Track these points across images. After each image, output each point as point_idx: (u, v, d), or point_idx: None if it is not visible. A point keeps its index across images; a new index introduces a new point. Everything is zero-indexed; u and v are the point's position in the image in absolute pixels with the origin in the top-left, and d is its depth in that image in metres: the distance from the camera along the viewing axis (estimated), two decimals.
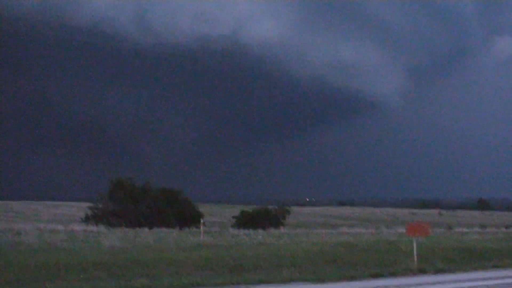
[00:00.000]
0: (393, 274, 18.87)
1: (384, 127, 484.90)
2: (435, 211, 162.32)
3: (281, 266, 18.93)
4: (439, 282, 17.33)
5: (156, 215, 53.04)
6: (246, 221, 61.29)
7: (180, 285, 15.33)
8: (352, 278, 17.75)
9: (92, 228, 42.72)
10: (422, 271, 19.64)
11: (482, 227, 69.03)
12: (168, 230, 42.56)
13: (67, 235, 30.47)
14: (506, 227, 70.58)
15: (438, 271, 19.98)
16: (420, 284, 16.81)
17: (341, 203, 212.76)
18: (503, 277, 18.79)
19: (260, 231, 45.76)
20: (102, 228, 43.02)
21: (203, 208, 63.33)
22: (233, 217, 66.78)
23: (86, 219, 51.93)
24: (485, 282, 17.49)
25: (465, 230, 58.81)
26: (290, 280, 16.89)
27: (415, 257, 20.39)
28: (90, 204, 55.33)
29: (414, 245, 20.72)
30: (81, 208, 65.70)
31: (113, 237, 27.92)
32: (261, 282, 16.43)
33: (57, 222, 50.52)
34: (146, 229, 41.15)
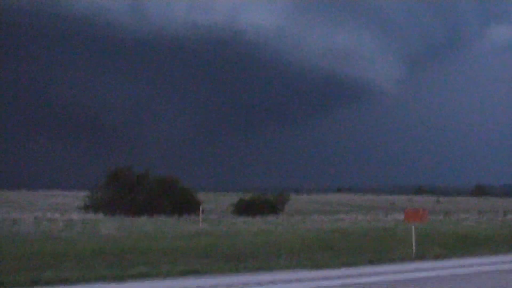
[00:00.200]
0: (391, 261, 18.89)
1: (381, 114, 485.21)
2: (432, 198, 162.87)
3: (279, 253, 18.94)
4: (437, 268, 17.35)
5: (154, 204, 53.07)
6: (244, 208, 61.39)
7: (178, 272, 15.32)
8: (349, 264, 17.76)
9: (89, 216, 42.76)
10: (420, 258, 19.67)
11: (480, 213, 69.14)
12: (166, 218, 42.61)
13: (64, 223, 30.47)
14: (504, 213, 70.72)
15: (436, 257, 20.01)
16: (418, 270, 16.82)
17: (339, 190, 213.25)
18: (500, 263, 18.84)
19: (258, 218, 45.88)
20: (99, 216, 43.08)
21: (200, 196, 63.33)
22: (231, 204, 66.91)
23: (84, 208, 51.97)
24: (483, 268, 17.52)
25: (462, 216, 58.95)
26: (288, 267, 16.90)
27: (413, 243, 20.41)
28: (87, 193, 55.37)
29: (413, 231, 20.74)
30: (77, 197, 65.71)
31: (110, 226, 27.94)
32: (259, 269, 16.44)
33: (53, 211, 50.45)
34: (144, 218, 41.21)
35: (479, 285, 14.27)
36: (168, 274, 15.07)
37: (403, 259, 19.30)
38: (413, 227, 20.92)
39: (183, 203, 56.12)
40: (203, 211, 41.37)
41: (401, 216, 35.93)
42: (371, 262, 18.40)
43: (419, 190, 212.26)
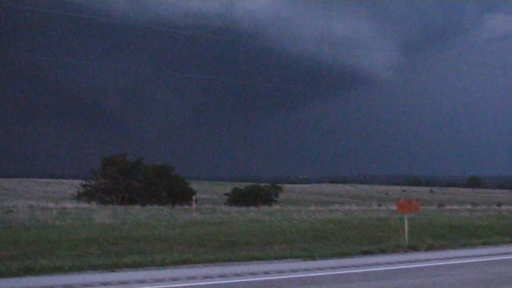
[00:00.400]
0: (384, 251, 18.96)
1: (376, 102, 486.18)
2: (426, 189, 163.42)
3: (273, 243, 18.97)
4: (430, 259, 17.42)
5: (148, 191, 53.16)
6: (238, 198, 61.63)
7: (171, 261, 15.34)
8: (343, 255, 17.82)
9: (84, 205, 42.75)
10: (413, 248, 19.75)
11: (473, 204, 69.47)
12: (160, 207, 42.62)
13: (58, 212, 30.43)
14: (498, 205, 71.05)
15: (429, 248, 20.09)
16: (410, 262, 16.89)
17: (333, 181, 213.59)
18: (493, 254, 18.93)
19: (252, 208, 45.96)
20: (94, 205, 43.06)
21: (195, 185, 63.44)
22: (225, 194, 67.06)
23: (78, 197, 51.98)
24: (475, 260, 17.61)
25: (456, 207, 59.17)
26: (282, 257, 16.95)
27: (406, 234, 20.47)
28: (81, 181, 55.40)
29: (406, 222, 20.79)
30: (72, 185, 65.73)
31: (104, 214, 27.89)
32: (252, 258, 16.47)
33: (48, 199, 50.48)
34: (138, 206, 41.22)
35: (470, 275, 14.34)
36: (161, 263, 15.09)
37: (395, 249, 19.37)
38: (406, 218, 20.97)
39: (177, 192, 56.23)
40: (196, 200, 41.39)
41: (395, 207, 35.98)
42: (364, 252, 18.47)
43: (413, 181, 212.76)
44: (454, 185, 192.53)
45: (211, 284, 12.70)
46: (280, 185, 71.13)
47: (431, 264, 16.39)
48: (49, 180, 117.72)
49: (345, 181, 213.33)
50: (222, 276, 13.64)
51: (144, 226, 22.80)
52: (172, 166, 60.75)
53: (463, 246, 21.31)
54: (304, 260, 16.84)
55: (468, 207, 60.52)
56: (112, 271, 14.12)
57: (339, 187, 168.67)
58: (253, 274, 14.06)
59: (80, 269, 14.04)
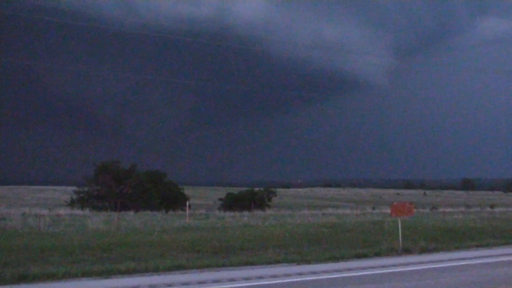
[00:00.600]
0: (378, 254, 18.98)
1: (369, 106, 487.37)
2: (420, 192, 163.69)
3: (267, 247, 18.98)
4: (424, 262, 17.45)
5: (141, 197, 53.11)
6: (232, 203, 61.55)
7: (165, 267, 15.32)
8: (337, 258, 17.83)
9: (77, 212, 42.66)
10: (406, 251, 19.77)
11: (467, 207, 69.63)
12: (154, 213, 42.57)
13: (52, 219, 30.37)
14: (491, 207, 71.24)
15: (423, 251, 20.12)
16: (404, 264, 16.91)
17: (327, 185, 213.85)
18: (486, 256, 18.96)
19: (246, 213, 45.94)
20: (87, 211, 42.96)
21: (188, 191, 63.33)
22: (219, 199, 67.01)
23: (72, 203, 51.89)
24: (469, 262, 17.63)
25: (449, 210, 59.29)
26: (276, 262, 16.95)
27: (400, 237, 20.50)
28: (75, 188, 55.31)
29: (399, 225, 20.84)
30: (65, 192, 65.45)
31: (98, 221, 27.87)
32: (246, 263, 16.46)
33: (41, 206, 50.30)
34: (131, 213, 41.18)
35: (464, 278, 14.36)
36: (155, 269, 15.07)
37: (389, 252, 19.39)
38: (399, 221, 21.01)
39: (170, 198, 56.21)
40: (190, 206, 41.36)
41: (388, 210, 36.05)
42: (358, 256, 18.49)
43: (407, 184, 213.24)
44: (447, 188, 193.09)
45: None
46: (273, 189, 71.07)
47: (425, 267, 16.41)
48: (42, 187, 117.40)
49: (338, 185, 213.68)
50: (216, 281, 13.62)
51: (138, 232, 22.79)
52: (165, 172, 60.84)
53: (457, 248, 21.34)
54: (298, 264, 16.84)
55: (462, 209, 60.69)
56: (106, 277, 14.09)
57: (332, 191, 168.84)
58: (247, 279, 14.05)
59: (74, 276, 14.00)
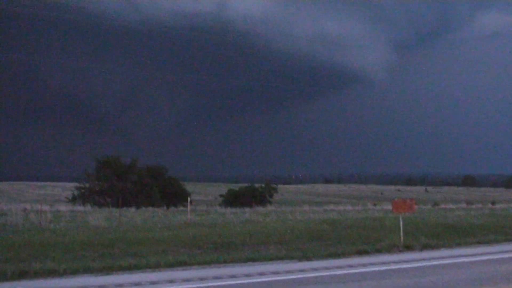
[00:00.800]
0: (379, 251, 18.97)
1: (369, 101, 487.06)
2: (421, 188, 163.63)
3: (268, 243, 18.97)
4: (425, 259, 17.44)
5: (142, 193, 53.12)
6: (233, 199, 61.54)
7: (167, 264, 15.33)
8: (338, 255, 17.82)
9: (78, 208, 42.64)
10: (408, 248, 19.75)
11: (468, 203, 69.58)
12: (155, 209, 42.57)
13: (53, 215, 30.37)
14: (492, 203, 71.19)
15: (424, 247, 20.10)
16: (406, 261, 16.90)
17: (327, 181, 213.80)
18: (487, 253, 18.95)
19: (247, 209, 45.90)
20: (88, 207, 42.95)
21: (189, 187, 63.34)
22: (220, 195, 67.02)
23: (73, 199, 51.91)
24: (470, 259, 17.63)
25: (451, 206, 59.23)
26: (277, 258, 16.94)
27: (401, 233, 20.48)
28: (76, 184, 55.34)
29: (401, 221, 20.81)
30: (65, 188, 65.45)
31: (99, 217, 27.86)
32: (248, 260, 16.46)
33: (42, 202, 50.34)
34: (133, 209, 41.17)
35: (465, 275, 14.35)
36: (156, 266, 15.07)
37: (391, 249, 19.37)
38: (400, 217, 20.99)
39: (172, 194, 56.22)
40: (191, 202, 41.34)
41: (389, 206, 36.00)
42: (359, 252, 18.48)
43: (408, 180, 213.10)
44: (448, 184, 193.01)
45: (206, 286, 12.68)
46: (275, 185, 70.98)
47: (426, 264, 16.40)
48: (43, 183, 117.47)
49: (339, 181, 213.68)
50: (217, 278, 13.62)
51: (139, 228, 22.78)
52: (165, 167, 60.79)
53: (458, 245, 21.33)
54: (300, 260, 16.85)
55: (463, 205, 60.62)
56: (108, 274, 14.10)
57: (333, 187, 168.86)
58: (248, 275, 14.05)
59: (75, 272, 14.01)
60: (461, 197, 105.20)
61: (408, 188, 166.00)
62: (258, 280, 13.49)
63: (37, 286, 12.45)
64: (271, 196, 66.73)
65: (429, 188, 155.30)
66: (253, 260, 16.53)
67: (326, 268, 15.36)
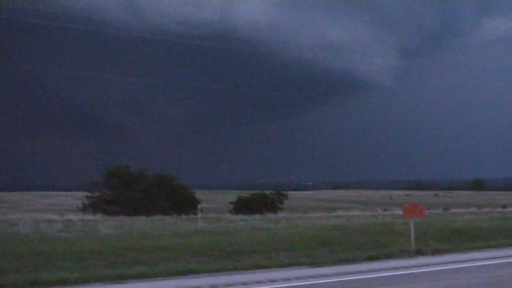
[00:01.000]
0: (389, 256, 18.93)
1: (376, 107, 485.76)
2: (430, 192, 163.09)
3: (278, 250, 18.95)
4: (436, 264, 17.40)
5: (152, 202, 53.13)
6: (243, 206, 61.50)
7: (177, 271, 15.34)
8: (348, 261, 17.80)
9: (89, 217, 42.67)
10: (418, 253, 19.71)
11: (478, 207, 69.24)
12: (164, 217, 42.58)
13: (63, 224, 30.43)
14: (503, 207, 70.86)
15: (435, 252, 20.05)
16: (416, 266, 16.87)
17: (336, 187, 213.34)
18: (498, 257, 18.89)
19: (257, 216, 45.80)
20: (99, 216, 42.99)
21: (198, 194, 63.33)
22: (230, 202, 66.95)
23: (83, 208, 51.99)
24: (481, 263, 17.58)
25: (461, 210, 59.00)
26: (288, 265, 16.94)
27: (412, 238, 20.43)
28: (85, 193, 55.43)
29: (412, 226, 20.76)
30: (76, 198, 65.67)
31: (109, 225, 27.88)
32: (258, 267, 16.47)
33: (52, 212, 50.46)
34: (142, 217, 41.16)
35: (476, 279, 14.32)
36: (166, 273, 15.09)
37: (401, 254, 19.34)
38: (411, 222, 20.95)
39: (181, 202, 56.19)
40: (201, 209, 41.30)
41: (399, 211, 35.90)
42: (369, 258, 18.45)
43: (417, 185, 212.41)
44: (458, 188, 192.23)
45: None
46: (285, 192, 70.82)
47: (437, 268, 16.38)
48: (51, 192, 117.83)
49: (348, 187, 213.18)
50: (228, 285, 13.63)
51: (149, 236, 22.79)
52: (174, 175, 60.80)
53: (469, 249, 21.28)
54: (310, 267, 16.84)
55: (473, 210, 60.34)
56: (118, 282, 14.13)
57: (342, 193, 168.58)
58: (259, 282, 14.06)
59: (86, 281, 14.05)
60: (471, 201, 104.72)
61: (418, 192, 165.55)
62: (269, 287, 13.52)
63: None
64: (281, 202, 66.60)
65: (439, 193, 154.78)
66: (263, 267, 16.54)
67: (336, 274, 15.36)
